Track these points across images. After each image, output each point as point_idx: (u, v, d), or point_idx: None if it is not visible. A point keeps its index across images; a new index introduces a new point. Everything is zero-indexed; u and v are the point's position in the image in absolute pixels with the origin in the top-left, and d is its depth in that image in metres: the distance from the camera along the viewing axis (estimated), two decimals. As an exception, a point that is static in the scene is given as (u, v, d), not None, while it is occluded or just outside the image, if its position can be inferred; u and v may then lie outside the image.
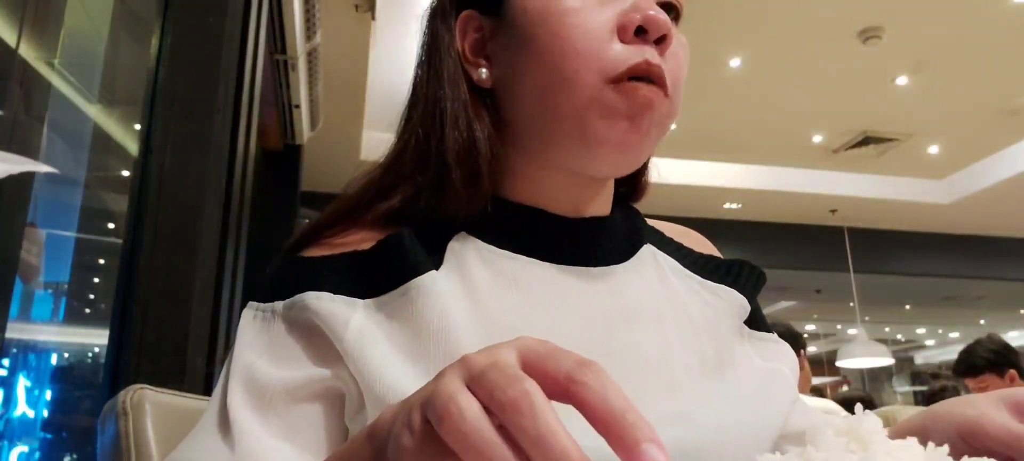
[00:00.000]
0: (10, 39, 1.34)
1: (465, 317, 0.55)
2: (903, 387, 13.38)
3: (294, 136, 3.80)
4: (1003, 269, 7.65)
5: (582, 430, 0.30)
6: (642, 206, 0.76)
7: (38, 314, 1.88)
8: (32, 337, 1.88)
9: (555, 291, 0.59)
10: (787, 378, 0.66)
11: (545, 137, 0.60)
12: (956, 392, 3.22)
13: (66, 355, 2.07)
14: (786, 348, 0.71)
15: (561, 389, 0.31)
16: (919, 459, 0.33)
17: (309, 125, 3.70)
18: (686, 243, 0.72)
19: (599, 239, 0.64)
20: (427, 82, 0.64)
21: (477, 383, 0.32)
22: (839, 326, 12.69)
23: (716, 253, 0.73)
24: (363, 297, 0.56)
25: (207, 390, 1.40)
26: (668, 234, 0.73)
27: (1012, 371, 2.94)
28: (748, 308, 0.67)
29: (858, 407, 0.36)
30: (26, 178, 1.36)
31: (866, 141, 5.95)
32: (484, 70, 0.63)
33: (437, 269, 0.57)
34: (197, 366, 1.52)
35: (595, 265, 0.62)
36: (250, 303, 0.59)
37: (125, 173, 1.80)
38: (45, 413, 1.84)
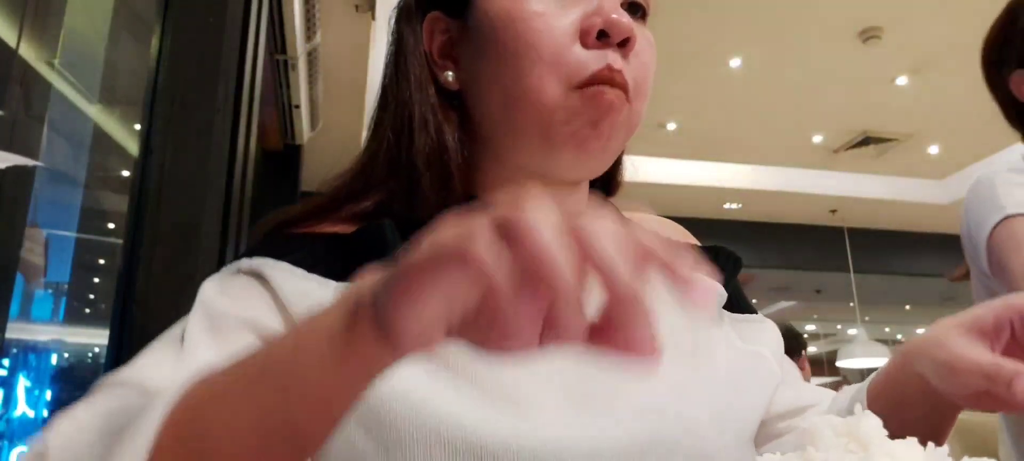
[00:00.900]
0: (10, 39, 1.34)
1: None
2: (903, 387, 13.32)
3: (294, 136, 3.80)
4: (1003, 269, 7.64)
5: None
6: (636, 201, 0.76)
7: (38, 314, 1.88)
8: (32, 337, 1.88)
9: None
10: (768, 360, 0.66)
11: (511, 140, 0.61)
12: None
13: (66, 355, 2.07)
14: (769, 325, 0.71)
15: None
16: (919, 459, 0.33)
17: (309, 125, 3.70)
18: (662, 234, 0.73)
19: None
20: (396, 85, 0.64)
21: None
22: (839, 326, 12.70)
23: (693, 242, 0.74)
24: (338, 279, 0.57)
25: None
26: (644, 226, 0.73)
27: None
28: (725, 295, 0.67)
29: (858, 407, 0.36)
30: (27, 178, 1.36)
31: (866, 141, 5.95)
32: (450, 73, 0.64)
33: None
34: (197, 366, 1.51)
35: None
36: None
37: (125, 173, 1.80)
38: (45, 413, 1.84)
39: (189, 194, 1.56)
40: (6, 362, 1.74)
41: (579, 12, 0.58)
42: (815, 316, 12.11)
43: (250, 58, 1.77)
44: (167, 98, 1.62)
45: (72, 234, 1.88)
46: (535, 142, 0.59)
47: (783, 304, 10.61)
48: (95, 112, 1.86)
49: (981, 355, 0.47)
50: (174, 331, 0.55)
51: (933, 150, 6.14)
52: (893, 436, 0.34)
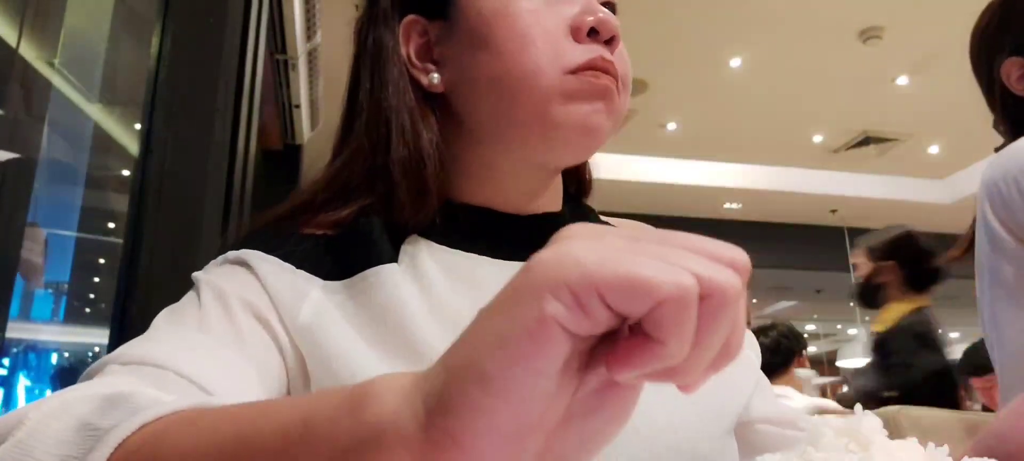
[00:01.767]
0: (10, 39, 1.34)
1: (421, 311, 0.56)
2: (903, 387, 13.34)
3: (294, 136, 3.79)
4: (1003, 269, 7.64)
5: None
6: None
7: (38, 314, 1.88)
8: (32, 337, 1.88)
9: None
10: (750, 360, 0.68)
11: (506, 131, 0.61)
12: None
13: (66, 355, 2.07)
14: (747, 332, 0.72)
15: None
16: (919, 459, 0.33)
17: (309, 125, 3.70)
18: None
19: (550, 234, 0.63)
20: (371, 91, 0.64)
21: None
22: (839, 326, 12.69)
23: None
24: (323, 278, 0.58)
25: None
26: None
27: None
28: None
29: (858, 407, 0.36)
30: (27, 178, 1.36)
31: (866, 141, 5.95)
32: (436, 74, 0.64)
33: (396, 263, 0.59)
34: (197, 366, 1.51)
35: None
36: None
37: (125, 173, 1.80)
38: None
39: (189, 194, 1.56)
40: (6, 362, 1.74)
41: (568, 10, 0.60)
42: (815, 316, 12.10)
43: (250, 58, 1.77)
44: (167, 98, 1.62)
45: (72, 234, 1.88)
46: (533, 128, 0.60)
47: (783, 304, 10.61)
48: (95, 112, 1.86)
49: None
50: (185, 308, 0.56)
51: (933, 150, 6.14)
52: None
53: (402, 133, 0.61)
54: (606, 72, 0.60)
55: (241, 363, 0.52)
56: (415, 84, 0.64)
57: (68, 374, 2.02)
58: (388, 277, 0.56)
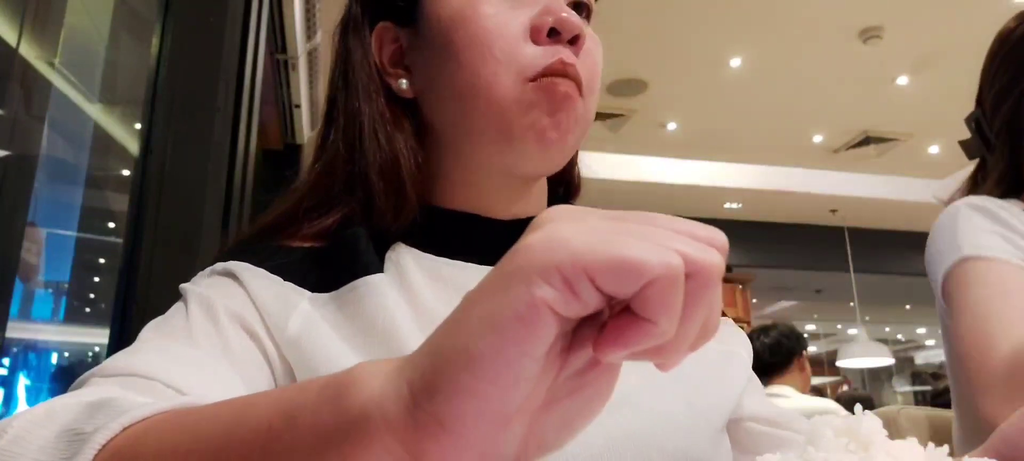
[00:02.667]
0: (10, 39, 1.34)
1: (408, 320, 0.56)
2: (903, 387, 13.37)
3: (294, 135, 3.79)
4: (1003, 269, 7.63)
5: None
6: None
7: (38, 314, 1.88)
8: (32, 337, 1.88)
9: None
10: (742, 359, 0.67)
11: (470, 140, 0.61)
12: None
13: (66, 355, 2.07)
14: (738, 329, 0.72)
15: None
16: (919, 459, 0.33)
17: (309, 125, 3.70)
18: None
19: None
20: (345, 97, 0.64)
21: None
22: (839, 326, 12.70)
23: None
24: (311, 290, 0.58)
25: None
26: None
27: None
28: None
29: (858, 407, 0.36)
30: (27, 177, 1.36)
31: (866, 141, 5.95)
32: (404, 80, 0.64)
33: (382, 273, 0.59)
34: (197, 366, 1.51)
35: None
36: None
37: (125, 173, 1.80)
38: (45, 413, 1.84)
39: (189, 194, 1.56)
40: (6, 362, 1.74)
41: (529, 12, 0.59)
42: (815, 316, 12.11)
43: (250, 58, 1.77)
44: (167, 98, 1.62)
45: (72, 234, 1.88)
46: (494, 139, 0.60)
47: (783, 304, 10.61)
48: (95, 112, 1.86)
49: None
50: (172, 320, 0.56)
51: (933, 150, 6.14)
52: None
53: (375, 137, 0.61)
54: (566, 76, 0.58)
55: (228, 375, 0.52)
56: (388, 90, 0.64)
57: (68, 374, 2.02)
58: (375, 288, 0.56)
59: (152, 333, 0.55)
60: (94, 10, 1.85)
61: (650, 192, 6.16)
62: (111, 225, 1.99)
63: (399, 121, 0.63)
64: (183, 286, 0.59)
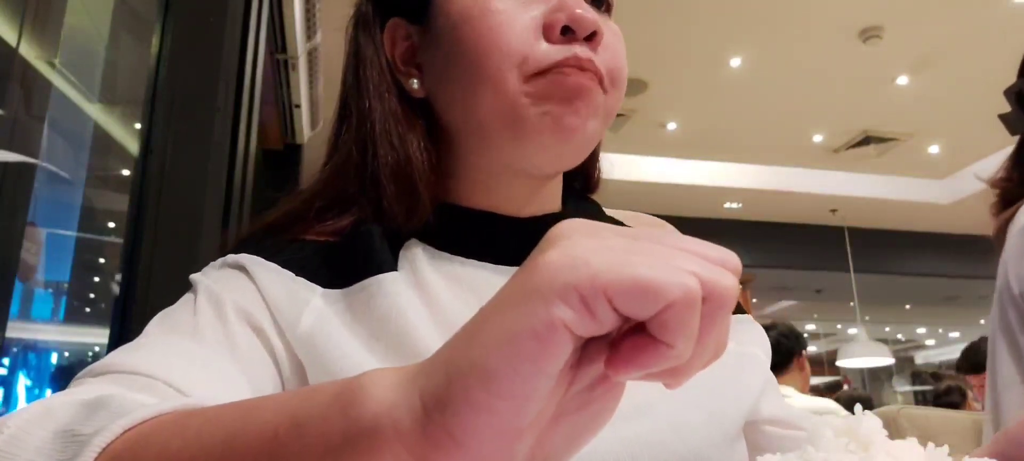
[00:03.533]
0: (10, 39, 1.34)
1: (422, 320, 0.55)
2: (903, 387, 13.36)
3: (294, 135, 3.79)
4: (1003, 269, 7.63)
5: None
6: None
7: (38, 313, 1.88)
8: (32, 336, 1.88)
9: None
10: (760, 360, 0.66)
11: (482, 137, 0.60)
12: (961, 391, 3.22)
13: (66, 355, 2.07)
14: (757, 327, 0.70)
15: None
16: (919, 459, 0.33)
17: (309, 125, 3.69)
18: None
19: None
20: (356, 96, 0.63)
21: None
22: (839, 326, 12.70)
23: None
24: (323, 286, 0.57)
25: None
26: (628, 223, 0.71)
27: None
28: None
29: (858, 407, 0.36)
30: (26, 177, 1.36)
31: (866, 141, 5.95)
32: (416, 80, 0.62)
33: (395, 271, 0.58)
34: (197, 366, 1.51)
35: None
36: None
37: (125, 172, 1.80)
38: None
39: (189, 194, 1.56)
40: (6, 362, 1.74)
41: (541, 7, 0.57)
42: (815, 316, 12.10)
43: (250, 58, 1.77)
44: (167, 98, 1.62)
45: (72, 233, 1.88)
46: (506, 135, 0.58)
47: (783, 304, 10.61)
48: (95, 111, 1.86)
49: None
50: (179, 313, 0.55)
51: (933, 150, 6.14)
52: None
53: (387, 137, 0.60)
54: (581, 70, 0.56)
55: (233, 373, 0.51)
56: (400, 89, 0.63)
57: (68, 374, 2.02)
58: (388, 286, 0.55)
59: (157, 327, 0.54)
60: (94, 10, 1.85)
61: (650, 192, 6.16)
62: (111, 225, 1.99)
63: (412, 120, 0.61)
64: (193, 276, 0.58)
